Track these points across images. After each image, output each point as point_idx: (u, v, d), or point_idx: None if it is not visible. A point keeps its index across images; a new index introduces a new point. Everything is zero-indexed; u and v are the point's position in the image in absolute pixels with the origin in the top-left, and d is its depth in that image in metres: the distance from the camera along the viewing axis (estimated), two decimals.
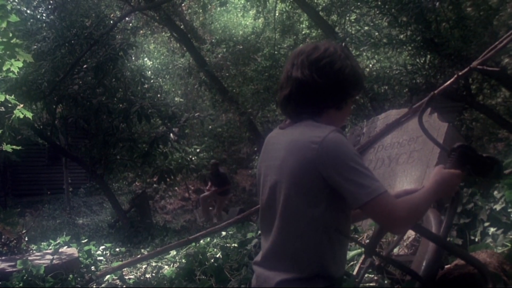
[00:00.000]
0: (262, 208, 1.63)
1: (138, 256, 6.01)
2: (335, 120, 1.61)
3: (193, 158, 11.57)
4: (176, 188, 15.12)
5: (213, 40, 13.15)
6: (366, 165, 1.45)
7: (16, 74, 4.63)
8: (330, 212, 1.49)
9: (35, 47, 8.58)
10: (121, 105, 9.56)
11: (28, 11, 10.09)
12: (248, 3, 11.78)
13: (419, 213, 1.47)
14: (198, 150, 12.55)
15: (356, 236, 3.62)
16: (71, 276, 4.55)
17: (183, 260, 4.80)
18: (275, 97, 10.50)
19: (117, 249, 7.18)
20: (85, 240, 6.93)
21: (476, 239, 2.79)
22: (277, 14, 11.26)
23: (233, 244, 4.89)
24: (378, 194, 1.38)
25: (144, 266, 5.52)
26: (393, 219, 1.39)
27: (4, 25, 4.12)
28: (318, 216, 1.48)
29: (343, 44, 6.34)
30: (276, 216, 1.54)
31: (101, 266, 5.71)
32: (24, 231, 6.46)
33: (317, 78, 1.53)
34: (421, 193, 1.51)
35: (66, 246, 6.06)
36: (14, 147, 5.17)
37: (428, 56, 6.22)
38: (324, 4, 9.88)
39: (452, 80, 3.92)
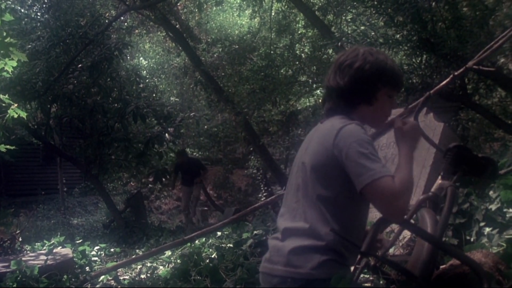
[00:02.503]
0: (288, 188, 1.76)
1: (133, 256, 5.99)
2: (369, 115, 1.72)
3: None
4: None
5: (209, 40, 13.13)
6: (378, 154, 1.53)
7: (10, 73, 4.59)
8: (342, 200, 1.57)
9: (29, 46, 8.51)
10: (116, 105, 9.53)
11: (23, 10, 10.02)
12: (244, 2, 11.73)
13: (410, 184, 1.53)
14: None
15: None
16: (65, 276, 4.53)
17: (178, 261, 4.79)
18: (271, 97, 10.49)
19: (112, 250, 7.14)
20: (80, 241, 6.91)
21: (472, 239, 2.79)
22: (273, 14, 11.25)
23: (229, 245, 4.88)
24: (381, 176, 1.43)
25: (139, 267, 5.49)
26: (392, 202, 1.42)
27: None
28: (330, 199, 1.57)
29: (339, 44, 6.32)
30: (299, 196, 1.66)
31: (96, 267, 5.69)
32: (18, 232, 6.43)
33: (339, 80, 1.67)
34: (399, 164, 1.60)
35: (61, 247, 6.03)
36: (8, 146, 5.11)
37: (424, 56, 6.21)
38: (320, 4, 9.87)
39: (448, 80, 3.91)
